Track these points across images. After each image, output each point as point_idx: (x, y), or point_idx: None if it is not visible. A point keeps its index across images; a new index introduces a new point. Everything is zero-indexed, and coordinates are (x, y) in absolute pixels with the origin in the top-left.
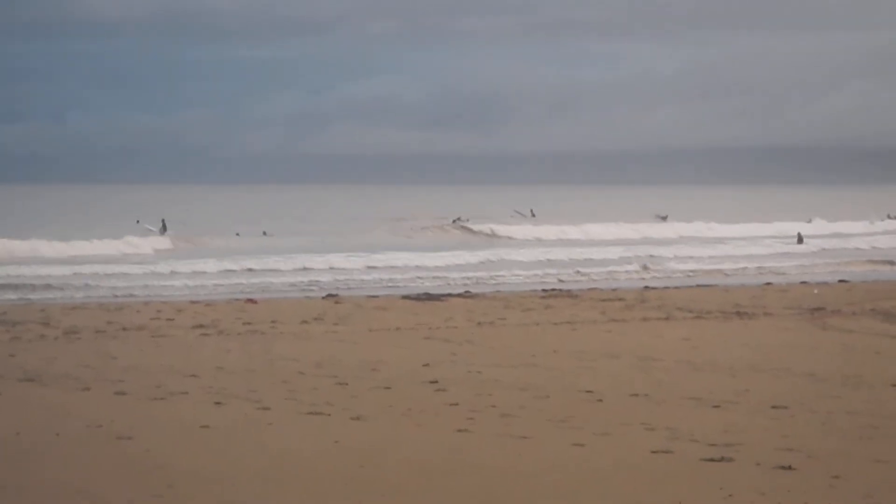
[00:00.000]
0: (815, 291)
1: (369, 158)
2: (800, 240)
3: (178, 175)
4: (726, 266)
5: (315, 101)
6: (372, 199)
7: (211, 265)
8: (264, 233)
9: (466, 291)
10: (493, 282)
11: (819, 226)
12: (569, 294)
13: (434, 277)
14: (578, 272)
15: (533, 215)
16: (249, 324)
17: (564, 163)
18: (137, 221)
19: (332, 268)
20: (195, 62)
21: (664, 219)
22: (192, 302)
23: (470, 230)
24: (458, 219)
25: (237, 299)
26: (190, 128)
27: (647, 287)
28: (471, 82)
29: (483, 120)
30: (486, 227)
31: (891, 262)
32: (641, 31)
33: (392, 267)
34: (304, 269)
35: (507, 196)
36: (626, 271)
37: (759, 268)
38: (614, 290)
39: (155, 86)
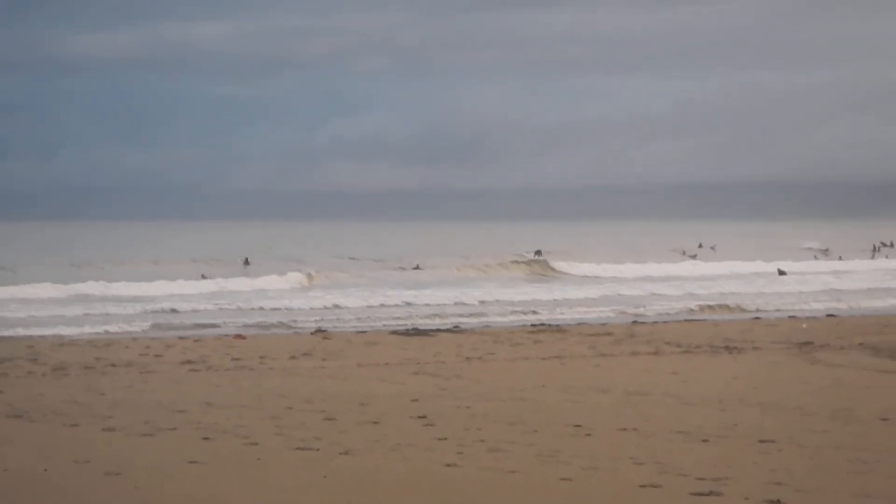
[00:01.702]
0: (804, 326)
1: (360, 195)
2: (781, 273)
3: (170, 211)
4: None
5: (306, 137)
6: (378, 236)
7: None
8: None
9: (455, 326)
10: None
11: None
12: (557, 329)
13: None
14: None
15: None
16: (238, 359)
17: (556, 198)
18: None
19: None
20: (183, 99)
21: (694, 256)
22: (181, 338)
23: (540, 265)
24: (538, 252)
25: (227, 335)
26: (179, 165)
27: (635, 321)
28: (462, 118)
29: (474, 156)
30: (556, 263)
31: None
32: (632, 68)
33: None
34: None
35: (505, 232)
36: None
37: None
38: (603, 324)
39: (143, 123)
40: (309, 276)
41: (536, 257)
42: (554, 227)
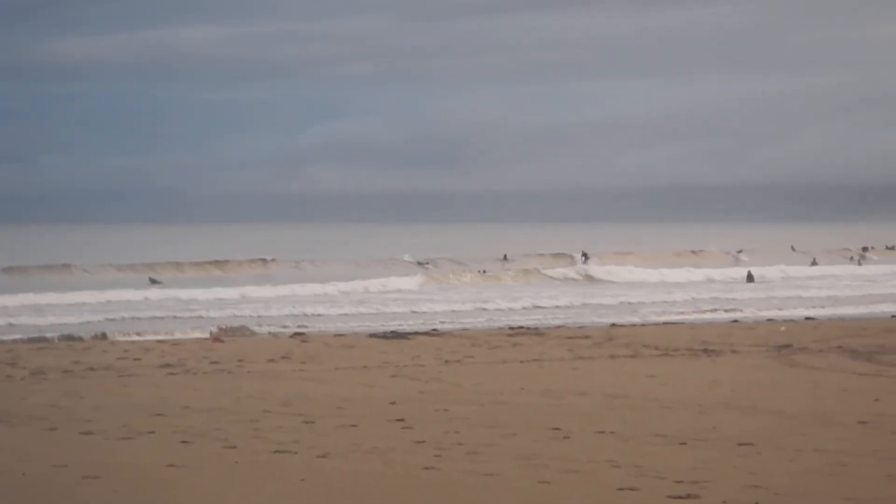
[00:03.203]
0: (782, 329)
1: (345, 198)
2: (750, 278)
3: (157, 215)
4: None
5: (291, 142)
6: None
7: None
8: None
9: (433, 329)
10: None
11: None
12: (535, 332)
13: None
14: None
15: (585, 258)
16: (216, 363)
17: (541, 201)
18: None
19: None
20: (169, 103)
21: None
22: (159, 342)
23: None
24: (585, 254)
25: (204, 338)
26: (165, 169)
27: (613, 325)
28: (446, 123)
29: (459, 159)
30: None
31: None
32: (618, 73)
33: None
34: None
35: (497, 234)
36: None
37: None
38: (581, 327)
39: (129, 127)
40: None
41: (583, 260)
42: (533, 230)
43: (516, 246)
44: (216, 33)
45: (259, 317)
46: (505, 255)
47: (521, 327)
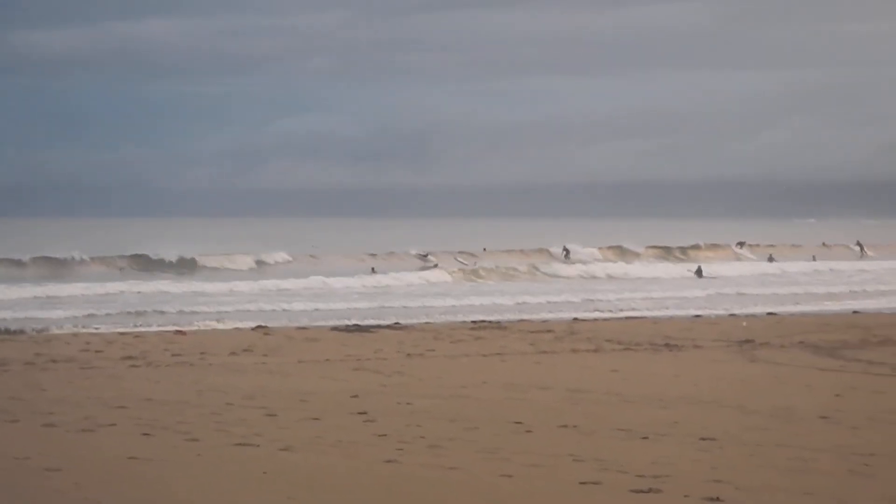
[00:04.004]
0: (744, 324)
1: (308, 192)
2: (699, 273)
3: (120, 209)
4: None
5: (254, 136)
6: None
7: None
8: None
9: (396, 323)
10: None
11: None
12: (498, 326)
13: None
14: None
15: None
16: (179, 355)
17: (501, 196)
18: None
19: None
20: (135, 98)
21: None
22: (121, 334)
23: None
24: (566, 249)
25: (167, 331)
26: (130, 163)
27: (576, 319)
28: (408, 118)
29: (420, 155)
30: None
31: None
32: (581, 70)
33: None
34: None
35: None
36: None
37: None
38: (544, 321)
39: (94, 121)
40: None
41: (565, 254)
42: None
43: (484, 241)
44: (179, 27)
45: (219, 312)
46: (484, 249)
47: (483, 321)
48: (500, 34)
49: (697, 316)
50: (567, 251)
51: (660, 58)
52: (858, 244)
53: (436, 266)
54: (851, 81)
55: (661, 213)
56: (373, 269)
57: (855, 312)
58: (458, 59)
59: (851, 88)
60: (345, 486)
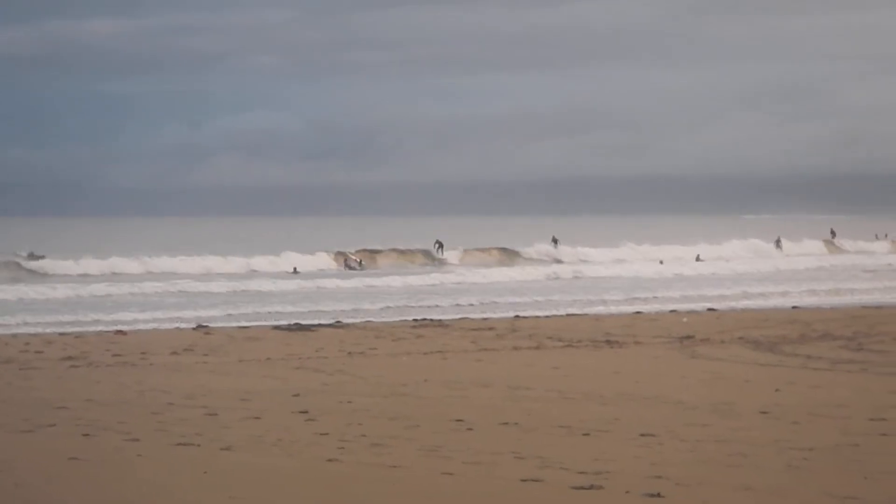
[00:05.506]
0: (685, 320)
1: (251, 190)
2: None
3: (54, 208)
4: None
5: (195, 134)
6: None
7: None
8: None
9: (337, 322)
10: None
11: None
12: (440, 324)
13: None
14: None
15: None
16: (119, 355)
17: (446, 194)
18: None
19: None
20: (71, 96)
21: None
22: (62, 334)
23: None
24: (555, 239)
25: (107, 331)
26: (64, 161)
27: (517, 316)
28: (353, 115)
29: (365, 152)
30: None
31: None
32: (524, 66)
33: None
34: None
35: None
36: None
37: None
38: (485, 319)
39: (28, 120)
40: None
41: (553, 245)
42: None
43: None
44: (120, 25)
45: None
46: (439, 243)
47: (424, 319)
48: (444, 31)
49: (638, 312)
50: (556, 241)
51: (604, 54)
52: (778, 241)
53: (361, 265)
54: (792, 77)
55: (599, 210)
56: (295, 268)
57: (794, 308)
58: (403, 57)
59: (792, 84)
60: (287, 485)
